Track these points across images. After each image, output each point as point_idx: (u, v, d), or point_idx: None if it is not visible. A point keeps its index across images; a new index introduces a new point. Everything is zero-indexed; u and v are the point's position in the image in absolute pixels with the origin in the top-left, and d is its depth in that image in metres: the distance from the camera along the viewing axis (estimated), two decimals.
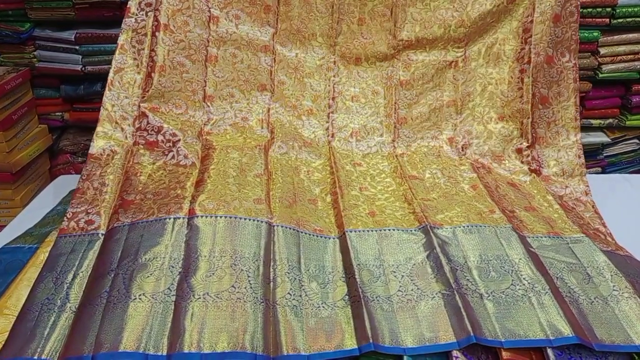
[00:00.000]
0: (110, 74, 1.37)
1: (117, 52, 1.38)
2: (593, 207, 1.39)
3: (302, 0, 1.43)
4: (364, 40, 1.47)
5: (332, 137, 1.44)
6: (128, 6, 1.42)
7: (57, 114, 2.45)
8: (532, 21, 1.42)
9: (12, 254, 1.06)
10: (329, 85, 1.47)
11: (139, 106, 1.32)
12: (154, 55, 1.34)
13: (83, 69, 2.32)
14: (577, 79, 1.48)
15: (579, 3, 1.44)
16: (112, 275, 0.92)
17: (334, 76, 1.48)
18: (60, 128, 2.53)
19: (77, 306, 0.88)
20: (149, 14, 1.37)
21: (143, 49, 1.35)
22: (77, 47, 2.27)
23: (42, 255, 1.01)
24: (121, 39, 1.39)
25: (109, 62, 2.29)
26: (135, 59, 1.37)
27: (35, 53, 2.31)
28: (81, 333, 0.82)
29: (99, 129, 1.30)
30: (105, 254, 0.98)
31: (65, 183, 1.52)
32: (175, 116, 1.33)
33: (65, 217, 1.08)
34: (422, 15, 1.44)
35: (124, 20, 1.40)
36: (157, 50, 1.34)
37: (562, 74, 1.45)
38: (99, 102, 2.40)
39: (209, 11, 1.38)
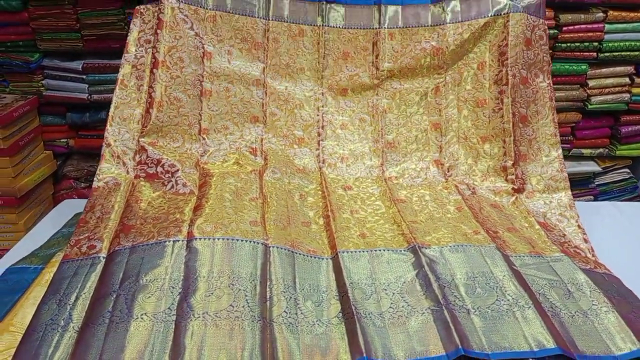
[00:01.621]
0: (111, 110, 1.43)
1: (117, 87, 1.45)
2: (577, 221, 1.44)
3: (289, 37, 1.52)
4: (349, 73, 1.55)
5: (322, 163, 1.49)
6: (127, 42, 1.49)
7: (62, 140, 2.51)
8: (507, 44, 1.50)
9: (19, 274, 1.10)
10: (318, 115, 1.54)
11: (139, 141, 1.38)
12: (152, 92, 1.40)
13: (89, 97, 2.39)
14: (553, 97, 1.57)
15: (546, 27, 1.55)
16: (114, 296, 0.95)
17: (322, 106, 1.55)
18: (65, 154, 2.58)
19: (80, 326, 0.92)
20: (148, 50, 1.44)
21: (142, 85, 1.42)
22: (84, 77, 2.35)
23: (47, 275, 1.04)
24: (120, 74, 1.46)
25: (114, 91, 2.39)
26: (134, 93, 1.43)
27: (43, 82, 2.39)
28: (84, 351, 0.85)
29: (102, 165, 1.36)
30: (107, 276, 1.01)
31: (68, 208, 1.56)
32: (173, 149, 1.39)
33: (68, 244, 1.12)
34: (403, 47, 1.53)
35: (123, 55, 1.47)
36: (154, 86, 1.40)
37: (537, 94, 1.54)
38: (104, 129, 2.49)
39: (203, 47, 1.46)
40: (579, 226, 1.43)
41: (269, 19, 1.50)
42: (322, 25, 1.52)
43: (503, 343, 0.93)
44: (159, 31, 1.42)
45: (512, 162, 1.50)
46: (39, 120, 2.42)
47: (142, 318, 0.90)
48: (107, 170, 1.35)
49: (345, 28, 1.53)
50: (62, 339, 0.90)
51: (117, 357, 0.84)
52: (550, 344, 0.92)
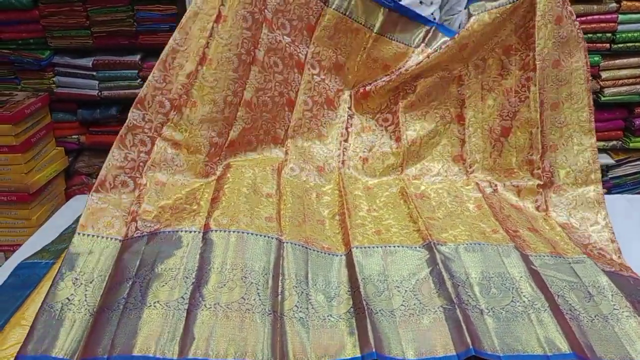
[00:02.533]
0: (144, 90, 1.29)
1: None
2: (605, 218, 1.36)
3: (343, 30, 1.44)
4: (379, 80, 1.49)
5: (342, 164, 1.47)
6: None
7: (73, 136, 2.54)
8: (533, 26, 1.35)
9: (30, 269, 1.11)
10: (343, 116, 1.51)
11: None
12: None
13: (99, 94, 2.41)
14: (589, 79, 1.42)
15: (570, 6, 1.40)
16: (130, 283, 0.97)
17: (349, 107, 1.52)
18: (76, 150, 2.61)
19: (94, 309, 0.93)
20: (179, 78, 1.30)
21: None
22: (94, 73, 2.37)
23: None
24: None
25: (125, 88, 2.41)
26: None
27: (54, 79, 2.41)
28: (98, 336, 0.87)
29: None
30: (124, 263, 1.03)
31: (80, 203, 1.57)
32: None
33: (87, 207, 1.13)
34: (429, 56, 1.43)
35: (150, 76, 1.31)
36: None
37: (572, 75, 1.39)
38: (114, 125, 2.52)
39: (262, 14, 1.35)
40: (606, 224, 1.35)
41: (327, 5, 1.41)
42: (374, 30, 1.45)
43: (516, 345, 0.91)
44: None
45: (539, 155, 1.39)
46: (50, 117, 2.44)
47: (155, 306, 0.92)
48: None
49: (393, 40, 1.47)
50: (76, 320, 0.91)
51: (129, 343, 0.85)
52: (565, 348, 0.89)
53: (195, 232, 1.08)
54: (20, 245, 1.37)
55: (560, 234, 1.27)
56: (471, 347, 0.87)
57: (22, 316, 0.95)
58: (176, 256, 1.02)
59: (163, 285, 0.96)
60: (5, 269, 1.17)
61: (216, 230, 1.07)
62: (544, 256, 1.15)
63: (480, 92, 1.46)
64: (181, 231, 1.08)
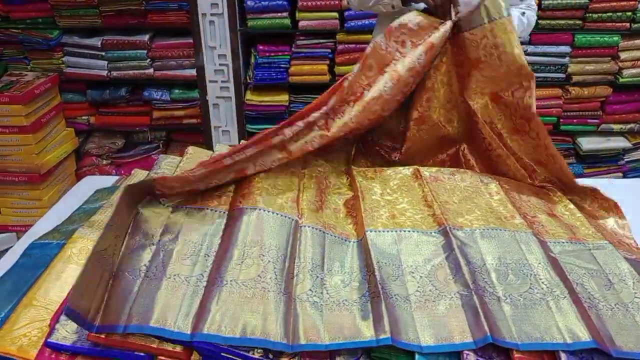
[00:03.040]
0: None
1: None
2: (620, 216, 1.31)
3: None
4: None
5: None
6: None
7: (83, 117, 2.53)
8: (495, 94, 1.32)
9: (41, 249, 1.11)
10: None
11: None
12: None
13: (109, 74, 2.39)
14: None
15: None
16: (154, 249, 0.99)
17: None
18: (86, 131, 2.61)
19: (115, 272, 0.92)
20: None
21: None
22: (103, 53, 2.35)
23: (69, 250, 1.05)
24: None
25: (133, 68, 2.39)
26: None
27: (63, 59, 2.40)
28: (119, 302, 0.87)
29: None
30: (147, 224, 1.04)
31: (90, 184, 1.57)
32: None
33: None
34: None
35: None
36: None
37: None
38: (124, 106, 2.52)
39: None
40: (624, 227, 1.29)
41: None
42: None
43: (534, 333, 0.88)
44: None
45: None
46: (60, 98, 2.43)
47: (174, 279, 0.93)
48: None
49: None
50: (104, 279, 0.91)
51: (146, 315, 0.85)
52: (585, 336, 0.86)
53: (219, 211, 1.10)
54: (31, 225, 1.37)
55: (581, 219, 1.24)
56: (489, 334, 0.86)
57: (34, 297, 0.95)
58: (199, 231, 1.04)
59: (184, 259, 0.97)
60: (17, 249, 1.17)
61: (241, 209, 1.08)
62: (564, 242, 1.13)
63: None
64: (207, 209, 1.10)
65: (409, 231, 1.12)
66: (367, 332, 0.88)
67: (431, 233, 1.11)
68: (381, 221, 1.14)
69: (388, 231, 1.11)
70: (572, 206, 1.30)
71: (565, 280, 0.99)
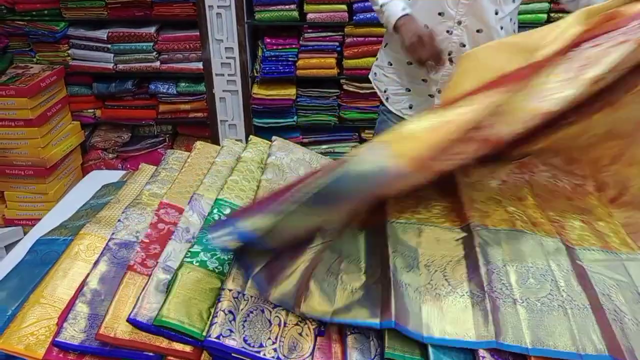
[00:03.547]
0: None
1: None
2: None
3: None
4: None
5: None
6: None
7: (89, 111, 2.52)
8: None
9: (48, 246, 1.10)
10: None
11: None
12: None
13: (115, 67, 2.37)
14: None
15: None
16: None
17: None
18: (92, 125, 2.59)
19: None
20: None
21: None
22: (109, 46, 2.33)
23: (77, 247, 1.03)
24: None
25: (140, 61, 2.37)
26: None
27: (69, 52, 2.38)
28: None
29: None
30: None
31: (97, 178, 1.55)
32: None
33: None
34: None
35: None
36: None
37: None
38: (130, 100, 2.50)
39: None
40: None
41: None
42: None
43: (547, 340, 0.86)
44: None
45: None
46: (66, 91, 2.42)
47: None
48: None
49: None
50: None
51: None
52: (602, 350, 0.84)
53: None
54: (38, 219, 1.37)
55: (616, 227, 1.19)
56: (494, 339, 0.84)
57: (42, 294, 0.94)
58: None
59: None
60: (23, 245, 1.16)
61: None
62: (594, 251, 1.09)
63: None
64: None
65: (432, 226, 1.10)
66: (372, 317, 0.87)
67: (453, 229, 1.09)
68: (405, 216, 1.12)
69: (412, 223, 1.09)
70: (609, 209, 1.24)
71: (590, 290, 0.96)
